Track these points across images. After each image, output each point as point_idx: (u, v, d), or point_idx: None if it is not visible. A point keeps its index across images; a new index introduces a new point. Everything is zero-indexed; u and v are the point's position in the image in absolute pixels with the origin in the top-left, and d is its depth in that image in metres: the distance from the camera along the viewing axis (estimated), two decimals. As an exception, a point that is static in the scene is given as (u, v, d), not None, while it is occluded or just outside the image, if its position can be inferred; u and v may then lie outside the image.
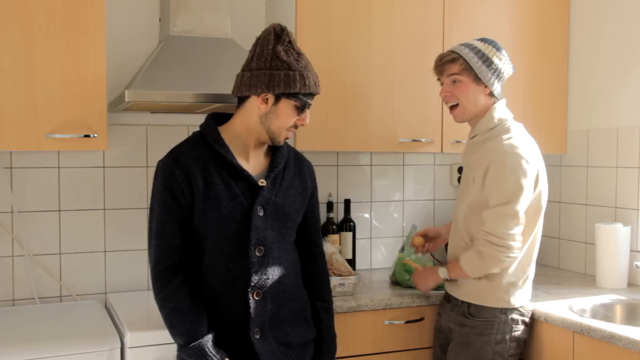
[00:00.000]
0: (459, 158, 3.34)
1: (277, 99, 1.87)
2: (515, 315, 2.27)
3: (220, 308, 1.88)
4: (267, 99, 1.87)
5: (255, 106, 1.89)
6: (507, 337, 2.25)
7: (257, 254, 1.87)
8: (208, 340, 1.83)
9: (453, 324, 2.33)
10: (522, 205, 2.17)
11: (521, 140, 2.23)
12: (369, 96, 2.77)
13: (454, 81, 2.27)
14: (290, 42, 1.90)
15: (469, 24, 2.89)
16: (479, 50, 2.24)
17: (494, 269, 2.19)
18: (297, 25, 2.65)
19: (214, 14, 2.62)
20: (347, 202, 3.05)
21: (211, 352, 1.81)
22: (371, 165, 3.19)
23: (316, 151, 2.81)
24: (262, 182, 1.91)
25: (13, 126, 2.25)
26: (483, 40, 2.29)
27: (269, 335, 1.90)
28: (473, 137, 2.34)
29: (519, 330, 2.27)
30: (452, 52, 2.28)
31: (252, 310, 1.87)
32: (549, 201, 3.22)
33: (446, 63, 2.27)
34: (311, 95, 1.91)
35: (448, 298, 2.42)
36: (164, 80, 2.37)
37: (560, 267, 3.19)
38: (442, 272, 2.35)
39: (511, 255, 2.15)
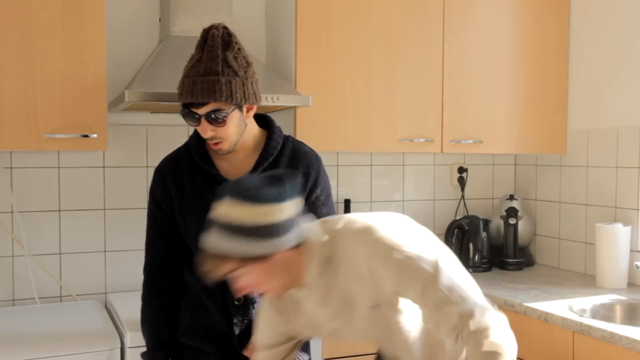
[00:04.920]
0: (459, 158, 3.35)
1: None
2: None
3: (207, 311, 1.89)
4: None
5: None
6: None
7: None
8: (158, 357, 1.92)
9: None
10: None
11: None
12: (369, 96, 2.77)
13: None
14: (196, 48, 1.83)
15: (469, 24, 2.89)
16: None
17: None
18: (297, 25, 2.65)
19: (214, 14, 2.62)
20: (347, 202, 3.05)
21: None
22: (371, 165, 3.19)
23: (316, 151, 2.81)
24: None
25: (13, 126, 2.25)
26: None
27: None
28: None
29: None
30: None
31: (233, 315, 1.86)
32: (549, 201, 3.24)
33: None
34: (187, 105, 1.76)
35: None
36: (164, 80, 2.37)
37: (560, 267, 3.19)
38: None
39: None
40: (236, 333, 1.86)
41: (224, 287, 1.84)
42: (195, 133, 1.94)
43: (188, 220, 1.88)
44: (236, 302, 1.86)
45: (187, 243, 1.92)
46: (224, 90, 1.74)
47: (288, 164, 1.93)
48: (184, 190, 1.88)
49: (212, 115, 1.75)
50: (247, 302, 1.87)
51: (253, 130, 1.91)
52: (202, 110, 1.75)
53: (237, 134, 1.81)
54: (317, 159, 1.99)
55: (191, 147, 1.91)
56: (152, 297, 1.94)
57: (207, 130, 1.77)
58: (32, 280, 2.62)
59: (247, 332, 1.87)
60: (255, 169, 1.87)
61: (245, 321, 1.87)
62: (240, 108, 1.79)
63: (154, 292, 1.94)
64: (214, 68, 1.74)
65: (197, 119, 1.76)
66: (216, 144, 1.80)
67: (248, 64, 1.80)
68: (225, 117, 1.76)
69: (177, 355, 1.94)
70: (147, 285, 1.95)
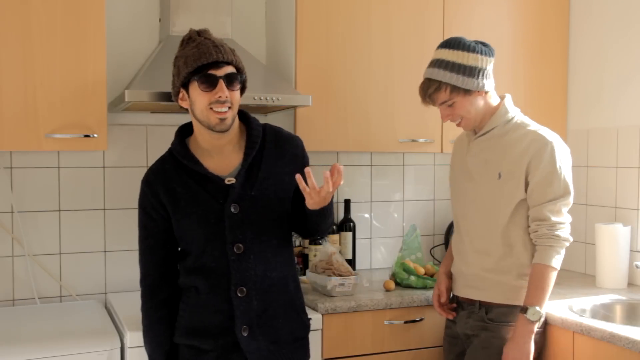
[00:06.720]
0: (459, 158, 3.34)
1: (186, 89, 1.86)
2: None
3: (208, 308, 1.90)
4: (182, 96, 1.88)
5: (188, 109, 1.90)
6: None
7: (236, 252, 1.87)
8: None
9: (472, 330, 2.23)
10: None
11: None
12: (369, 96, 2.77)
13: (449, 105, 2.17)
14: (189, 38, 1.88)
15: (468, 23, 2.89)
16: (452, 64, 2.12)
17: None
18: (297, 25, 2.65)
19: (214, 14, 2.62)
20: (347, 202, 3.05)
21: None
22: (371, 165, 3.19)
23: (316, 151, 2.81)
24: (229, 180, 1.88)
25: (13, 126, 2.25)
26: (447, 46, 2.16)
27: (257, 333, 1.89)
28: (487, 131, 2.22)
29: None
30: (430, 80, 2.16)
31: (236, 308, 1.87)
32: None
33: (432, 95, 2.17)
34: (210, 65, 1.79)
35: (461, 304, 2.32)
36: (164, 80, 2.37)
37: (560, 267, 3.18)
38: (533, 314, 2.07)
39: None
40: (237, 325, 1.87)
41: (227, 280, 1.87)
42: (178, 138, 1.96)
43: (184, 223, 1.90)
44: (239, 294, 1.87)
45: (182, 247, 1.95)
46: (238, 57, 1.86)
47: (274, 150, 1.96)
48: (176, 195, 1.89)
49: (231, 77, 1.82)
50: (250, 294, 1.88)
51: (237, 124, 1.95)
52: (221, 72, 1.81)
53: (238, 106, 1.89)
54: (301, 141, 2.03)
55: (176, 152, 1.92)
56: (152, 309, 1.96)
57: (224, 91, 1.80)
58: (32, 280, 2.62)
59: (249, 324, 1.88)
60: (245, 160, 1.90)
61: (247, 313, 1.88)
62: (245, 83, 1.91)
63: (153, 303, 1.96)
64: (221, 42, 1.85)
65: (215, 81, 1.80)
66: (223, 112, 1.81)
67: None
68: (241, 81, 1.86)
69: (175, 356, 1.95)
70: (146, 298, 1.97)
